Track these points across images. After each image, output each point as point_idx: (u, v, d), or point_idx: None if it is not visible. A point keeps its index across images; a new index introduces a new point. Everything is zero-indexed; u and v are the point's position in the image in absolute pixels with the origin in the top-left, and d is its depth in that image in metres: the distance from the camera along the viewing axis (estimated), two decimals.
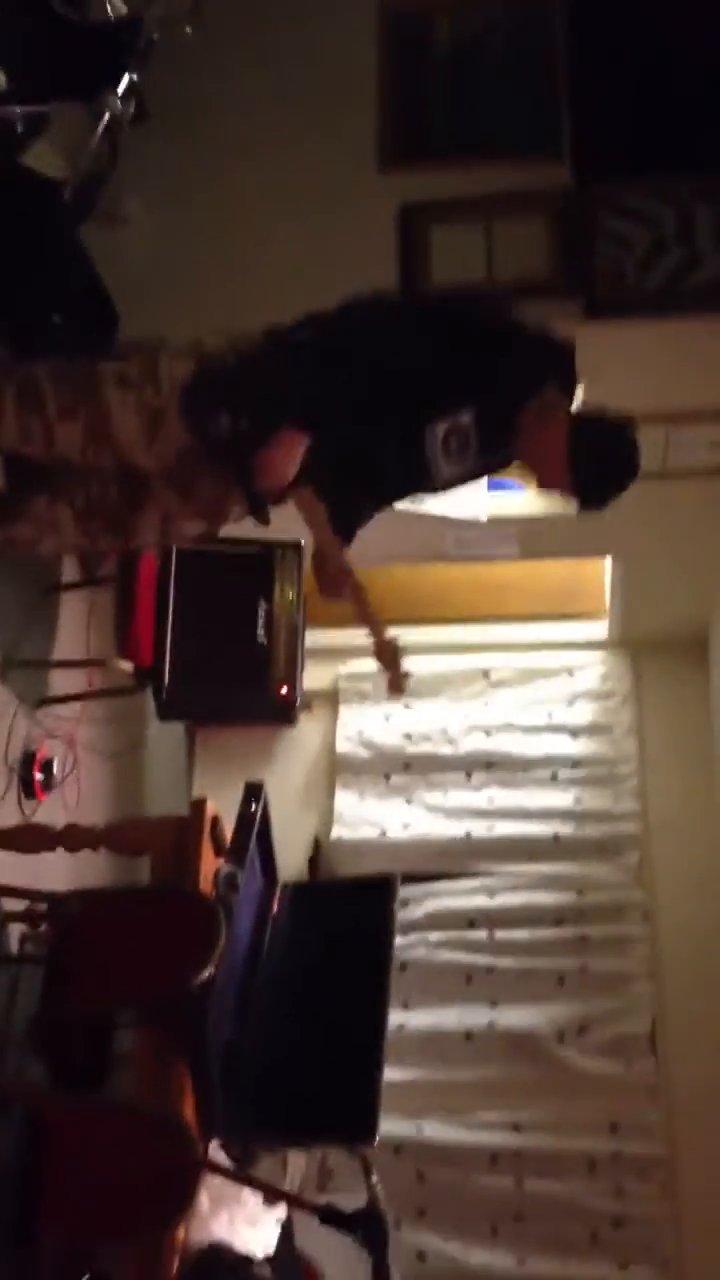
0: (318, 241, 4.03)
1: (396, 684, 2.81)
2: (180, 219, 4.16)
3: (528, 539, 4.72)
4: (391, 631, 2.78)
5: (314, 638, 4.84)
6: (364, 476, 2.78)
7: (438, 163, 4.26)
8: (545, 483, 2.80)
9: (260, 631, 4.46)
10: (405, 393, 2.67)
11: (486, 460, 2.83)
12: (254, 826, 3.12)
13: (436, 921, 4.96)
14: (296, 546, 4.38)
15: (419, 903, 4.99)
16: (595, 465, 2.73)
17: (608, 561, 5.21)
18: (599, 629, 5.48)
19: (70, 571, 4.32)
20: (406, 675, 2.78)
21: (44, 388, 2.72)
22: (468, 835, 5.10)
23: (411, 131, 4.29)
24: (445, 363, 2.67)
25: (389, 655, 2.76)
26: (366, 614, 2.78)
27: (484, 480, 3.63)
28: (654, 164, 4.03)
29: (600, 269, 4.02)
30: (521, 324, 2.79)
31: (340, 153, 4.23)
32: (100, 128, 3.54)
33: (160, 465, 2.76)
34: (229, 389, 2.67)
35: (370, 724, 5.28)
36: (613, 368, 3.66)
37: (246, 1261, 2.81)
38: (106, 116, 3.53)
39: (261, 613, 4.47)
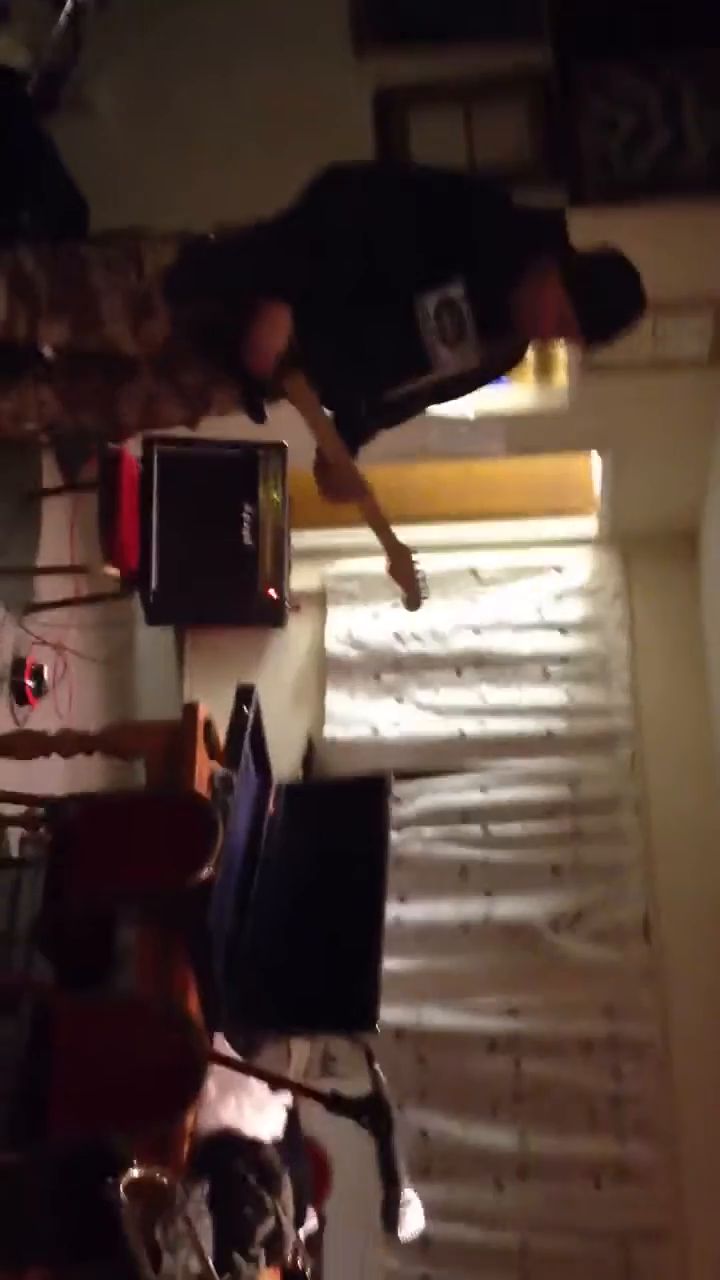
0: (292, 128, 3.93)
1: (414, 598, 2.76)
2: (149, 108, 4.07)
3: (515, 435, 4.69)
4: (403, 543, 2.72)
5: (300, 539, 4.82)
6: (357, 363, 2.72)
7: (414, 45, 4.14)
8: (549, 332, 2.71)
9: (246, 534, 4.43)
10: (388, 261, 2.60)
11: (488, 352, 2.77)
12: (247, 729, 3.13)
13: (431, 817, 5.02)
14: (280, 448, 4.34)
15: (413, 799, 5.04)
16: (599, 296, 2.64)
17: (596, 457, 5.19)
18: (588, 525, 5.46)
19: (51, 477, 4.28)
20: (423, 586, 2.74)
21: (36, 278, 2.67)
22: (460, 732, 5.13)
23: (387, 13, 4.16)
24: (427, 228, 2.59)
25: (403, 566, 2.71)
26: (376, 518, 2.73)
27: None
28: (638, 42, 3.92)
29: (584, 154, 3.94)
30: (506, 194, 2.72)
31: (314, 37, 4.12)
32: (63, 17, 3.44)
33: (146, 352, 2.72)
34: (211, 271, 2.62)
35: (359, 624, 5.29)
36: None
37: (255, 1145, 2.88)
38: (69, 5, 3.43)
39: (246, 515, 4.44)
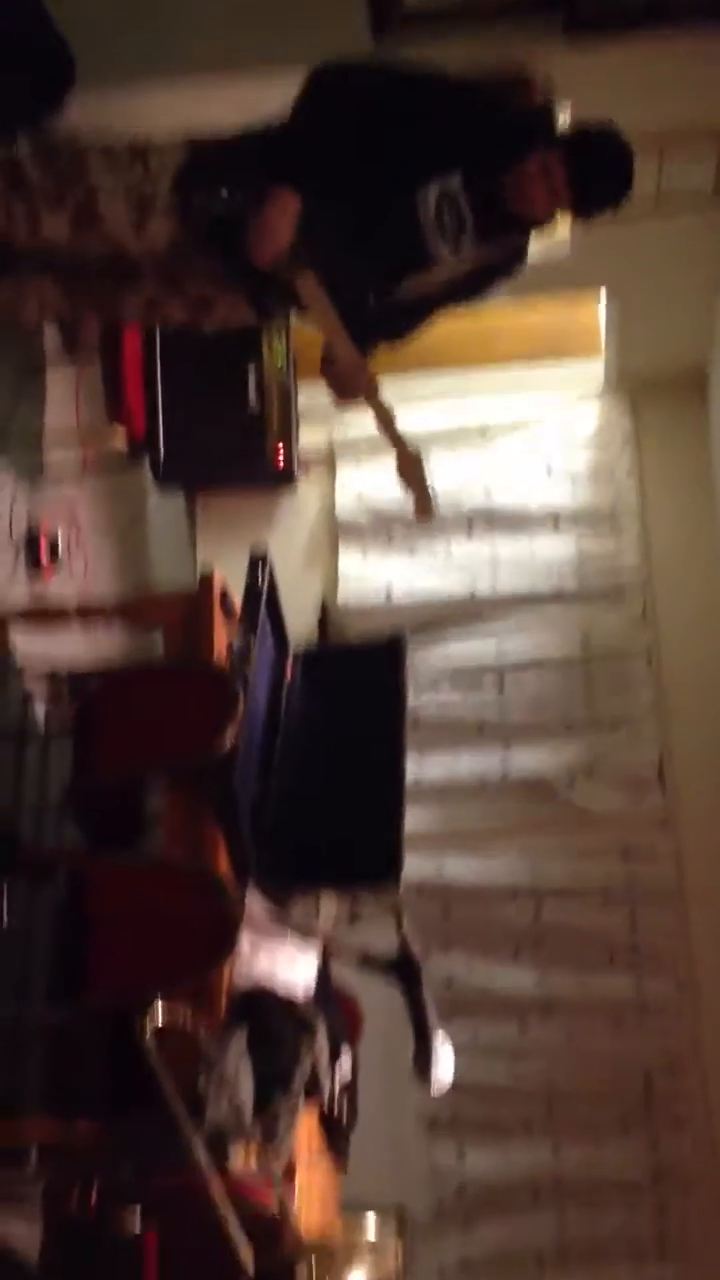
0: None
1: (423, 505, 2.75)
2: None
3: (518, 279, 4.58)
4: (413, 442, 2.69)
5: (307, 398, 4.76)
6: (363, 259, 2.69)
7: None
8: (541, 211, 2.70)
9: (252, 396, 4.39)
10: (389, 152, 2.57)
11: (489, 251, 2.74)
12: (262, 596, 3.15)
13: (446, 676, 5.05)
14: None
15: (428, 659, 5.07)
16: (595, 174, 2.64)
17: (602, 300, 5.08)
18: (595, 372, 5.38)
19: (53, 347, 4.22)
20: (432, 493, 2.72)
21: (30, 174, 2.61)
22: (473, 590, 5.14)
23: None
24: (425, 120, 2.58)
25: (413, 470, 2.70)
26: (384, 419, 2.71)
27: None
28: None
29: None
30: (498, 91, 2.68)
31: None
32: None
33: (150, 252, 2.68)
34: (220, 163, 2.58)
35: (369, 484, 5.25)
36: (596, 93, 3.48)
37: (288, 996, 2.98)
38: None
39: (252, 377, 4.39)
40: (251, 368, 4.30)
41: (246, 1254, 1.89)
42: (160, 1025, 2.29)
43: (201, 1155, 2.04)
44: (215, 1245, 1.95)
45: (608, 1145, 4.52)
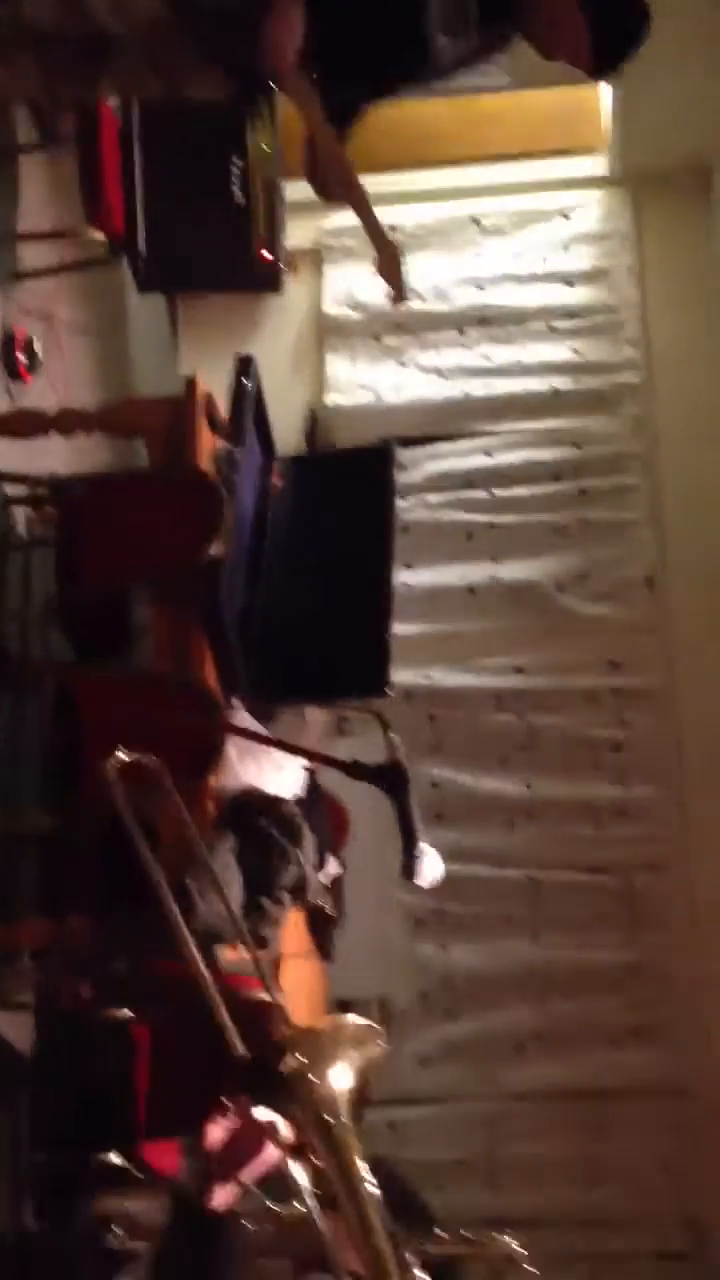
0: None
1: (399, 293, 2.71)
2: None
3: (518, 63, 4.33)
4: (391, 234, 2.64)
5: (293, 191, 4.56)
6: (359, 55, 2.54)
7: None
8: (554, 45, 2.56)
9: (235, 189, 4.21)
10: None
11: (486, 35, 2.58)
12: (248, 402, 3.08)
13: (436, 483, 5.00)
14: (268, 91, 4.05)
15: (417, 466, 5.01)
16: (615, 24, 2.52)
17: (605, 88, 4.84)
18: (596, 164, 5.16)
19: (26, 133, 4.02)
20: (407, 284, 2.68)
21: None
22: (464, 395, 5.04)
23: None
24: None
25: (390, 264, 2.65)
26: (365, 217, 2.63)
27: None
28: None
29: None
30: None
31: None
32: None
33: (130, 30, 2.52)
34: None
35: (358, 283, 5.08)
36: None
37: (276, 801, 3.03)
38: None
39: (235, 169, 4.20)
40: (235, 160, 4.11)
41: (235, 1040, 1.95)
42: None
43: (190, 941, 2.10)
44: (205, 1037, 2.01)
45: (588, 941, 4.67)
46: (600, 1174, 4.50)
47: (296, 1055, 1.70)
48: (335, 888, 3.59)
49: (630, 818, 4.75)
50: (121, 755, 2.30)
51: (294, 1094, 1.69)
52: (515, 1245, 2.18)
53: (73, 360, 4.20)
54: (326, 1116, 1.67)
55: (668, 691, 4.81)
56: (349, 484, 3.39)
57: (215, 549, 2.79)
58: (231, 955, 2.82)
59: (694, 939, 4.64)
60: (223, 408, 3.12)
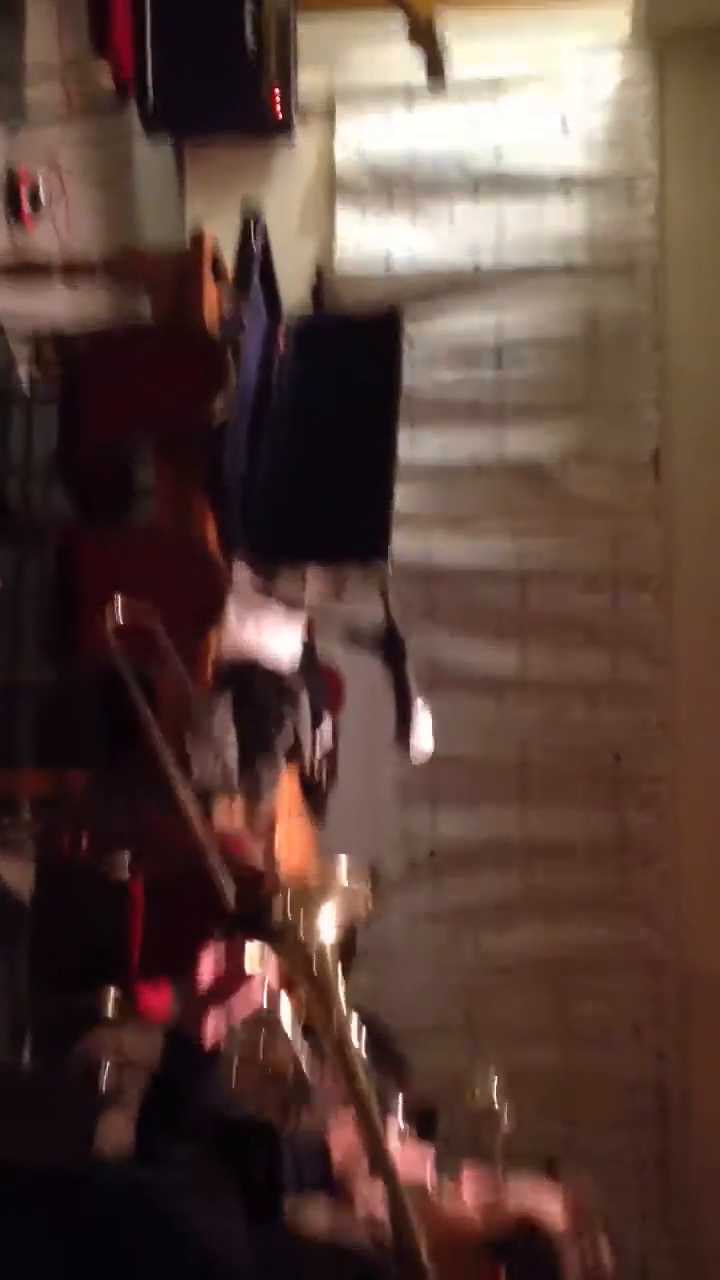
0: None
1: (436, 63, 2.57)
2: None
3: None
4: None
5: (308, 32, 4.39)
6: None
7: None
8: None
9: (248, 32, 4.05)
10: None
11: None
12: (255, 259, 3.01)
13: (444, 352, 4.89)
14: None
15: (425, 333, 4.90)
16: None
17: None
18: (619, 19, 4.95)
19: None
20: (445, 54, 2.52)
21: None
22: (476, 260, 4.92)
23: None
24: None
25: (425, 28, 2.50)
26: None
27: None
28: None
29: None
30: None
31: None
32: None
33: None
34: None
35: (371, 137, 4.92)
36: None
37: (273, 666, 3.04)
38: None
39: (249, 10, 4.04)
40: (249, 1, 3.94)
41: (229, 890, 1.99)
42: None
43: (187, 795, 2.13)
44: (199, 889, 2.05)
45: (575, 816, 4.74)
46: (576, 1039, 4.63)
47: (286, 908, 1.74)
48: (328, 753, 3.63)
49: (621, 696, 4.77)
50: (119, 605, 2.31)
51: (282, 944, 1.73)
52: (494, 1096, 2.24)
53: (77, 207, 4.08)
54: (314, 966, 1.71)
55: (666, 572, 4.80)
56: (356, 349, 3.33)
57: (219, 408, 2.75)
58: (226, 813, 2.86)
59: (676, 817, 4.70)
60: (229, 262, 3.05)
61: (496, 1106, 2.18)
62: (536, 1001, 4.64)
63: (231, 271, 3.04)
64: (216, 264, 3.02)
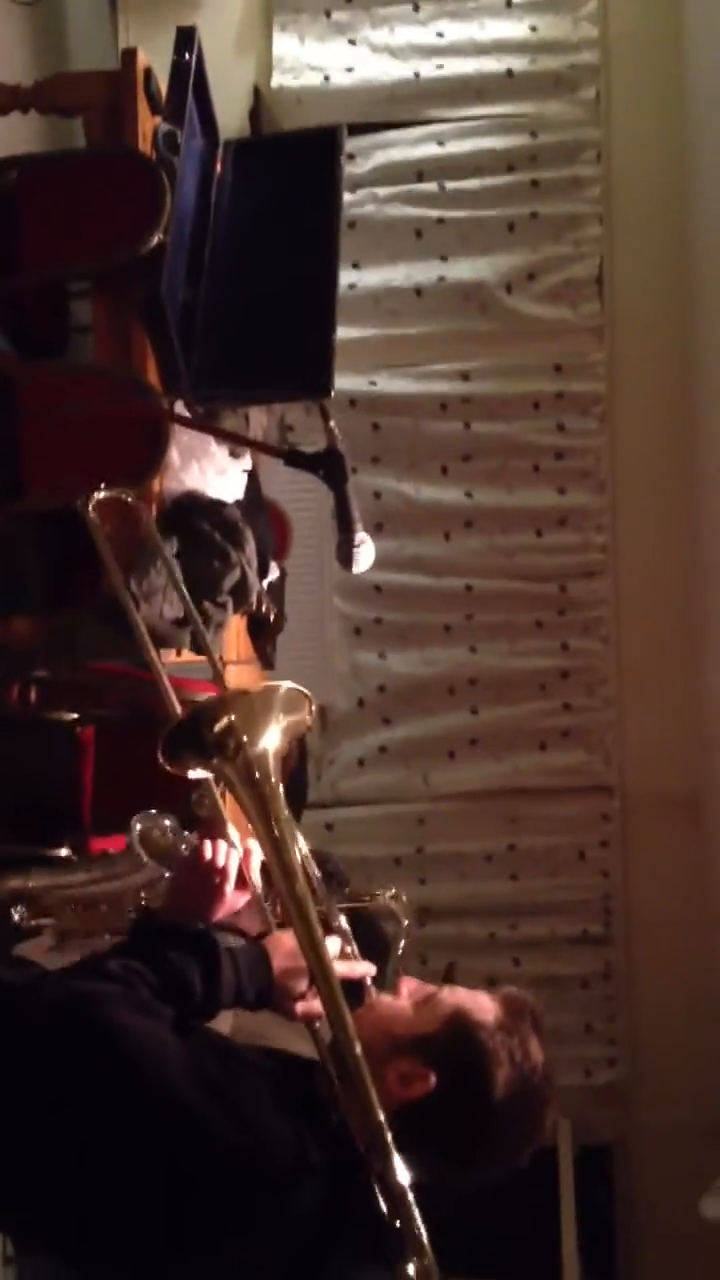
0: None
1: None
2: None
3: None
4: None
5: None
6: None
7: None
8: None
9: None
10: None
11: None
12: (189, 78, 2.88)
13: (385, 175, 4.75)
14: None
15: (366, 156, 4.75)
16: None
17: None
18: None
19: None
20: None
21: None
22: (416, 75, 4.74)
23: None
24: None
25: None
26: None
27: None
28: None
29: None
30: None
31: None
32: None
33: None
34: None
35: None
36: None
37: (219, 505, 3.01)
38: None
39: None
40: None
41: (175, 709, 2.01)
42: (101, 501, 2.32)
43: (146, 635, 2.14)
44: (149, 735, 2.06)
45: (522, 648, 4.79)
46: (524, 866, 4.77)
47: (229, 715, 1.76)
48: (277, 594, 3.62)
49: (568, 526, 4.79)
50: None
51: (224, 752, 1.76)
52: (394, 902, 2.31)
53: (4, 34, 3.88)
54: (256, 773, 1.75)
55: (610, 396, 4.77)
56: (295, 170, 3.21)
57: (156, 237, 2.67)
58: (174, 659, 2.87)
59: (619, 643, 4.78)
60: (165, 87, 2.91)
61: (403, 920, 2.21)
62: (485, 831, 4.77)
63: (165, 93, 2.91)
64: (150, 84, 2.89)
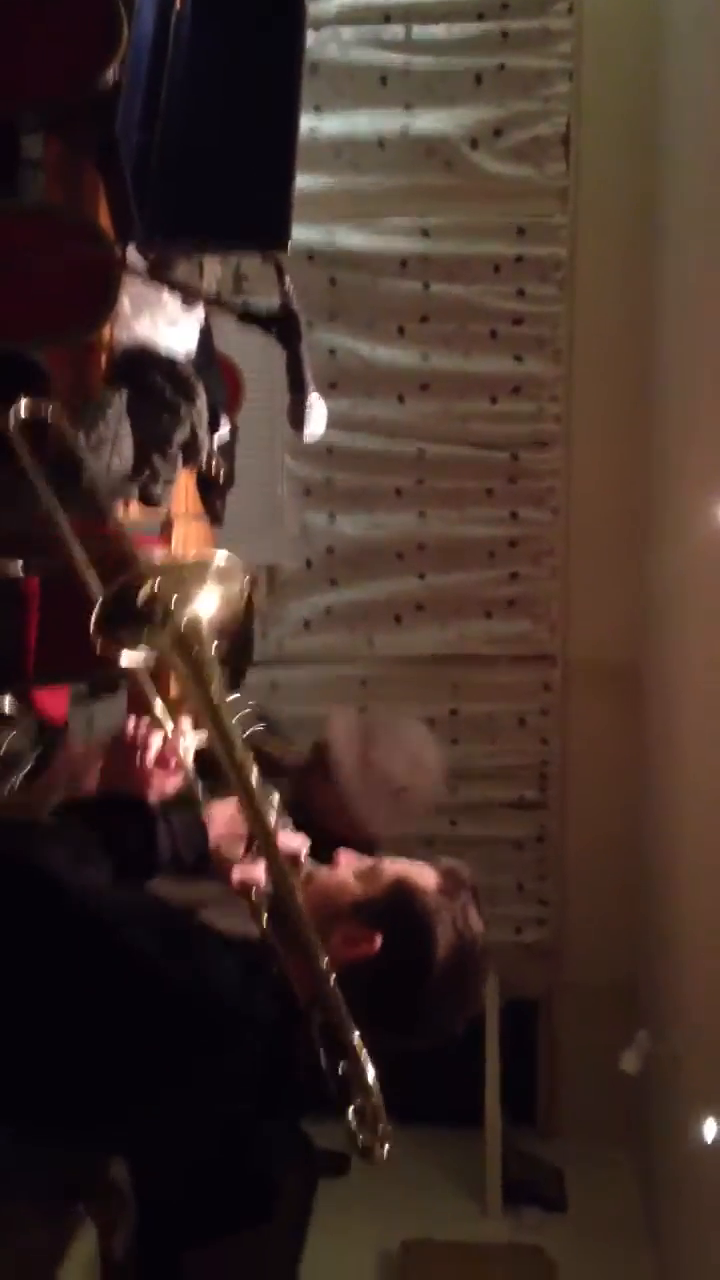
0: None
1: None
2: None
3: None
4: None
5: None
6: None
7: None
8: None
9: None
10: None
11: None
12: None
13: (350, 14, 4.56)
14: None
15: None
16: None
17: None
18: None
19: None
20: None
21: None
22: None
23: None
24: None
25: None
26: None
27: None
28: None
29: None
30: None
31: None
32: None
33: None
34: None
35: None
36: None
37: (170, 358, 2.94)
38: None
39: None
40: None
41: (95, 584, 1.99)
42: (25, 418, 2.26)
43: (50, 495, 2.10)
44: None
45: (471, 514, 4.78)
46: (465, 732, 4.83)
47: (154, 584, 1.72)
48: (227, 451, 3.57)
49: (523, 394, 4.74)
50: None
51: (151, 623, 1.73)
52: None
53: None
54: (189, 640, 1.73)
55: (570, 262, 4.68)
56: (258, 9, 3.07)
57: (111, 72, 2.55)
58: (121, 513, 2.83)
59: (568, 513, 4.78)
60: None
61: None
62: (428, 695, 4.81)
63: None
64: None
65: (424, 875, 1.80)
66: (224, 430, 3.40)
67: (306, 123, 4.39)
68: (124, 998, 1.59)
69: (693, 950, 3.87)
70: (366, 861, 1.84)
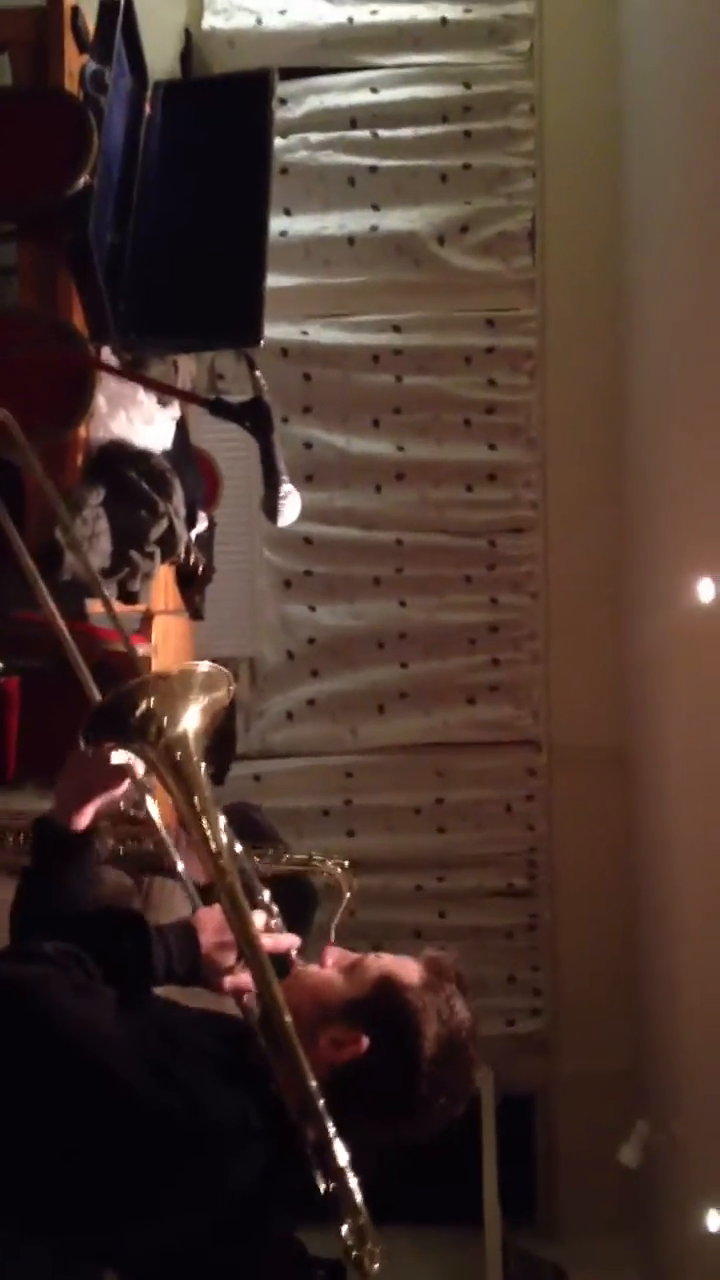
0: None
1: None
2: None
3: None
4: None
5: None
6: None
7: None
8: None
9: None
10: None
11: None
12: (118, 16, 2.81)
13: (317, 121, 4.69)
14: None
15: (299, 101, 4.68)
16: None
17: None
18: None
19: None
20: None
21: None
22: (350, 20, 4.66)
23: None
24: None
25: None
26: None
27: None
28: None
29: None
30: None
31: None
32: None
33: None
34: None
35: None
36: None
37: (146, 454, 2.97)
38: None
39: None
40: None
41: (91, 686, 2.00)
42: None
43: (46, 594, 2.11)
44: (75, 687, 2.04)
45: (451, 603, 4.80)
46: (451, 820, 4.80)
47: (149, 699, 1.74)
48: (205, 545, 3.59)
49: (498, 481, 4.79)
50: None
51: (145, 734, 1.75)
52: (338, 869, 2.32)
53: None
54: (177, 755, 1.75)
55: (541, 351, 4.76)
56: (226, 115, 3.14)
57: (83, 178, 2.60)
58: (100, 609, 2.83)
59: (547, 598, 4.80)
60: (92, 26, 2.84)
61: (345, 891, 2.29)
62: (413, 784, 4.79)
63: (93, 31, 2.84)
64: (77, 22, 2.82)
65: (407, 970, 1.79)
66: (202, 524, 3.42)
67: (278, 224, 4.50)
68: (114, 1129, 1.58)
69: (692, 1035, 3.81)
70: (350, 957, 1.83)
